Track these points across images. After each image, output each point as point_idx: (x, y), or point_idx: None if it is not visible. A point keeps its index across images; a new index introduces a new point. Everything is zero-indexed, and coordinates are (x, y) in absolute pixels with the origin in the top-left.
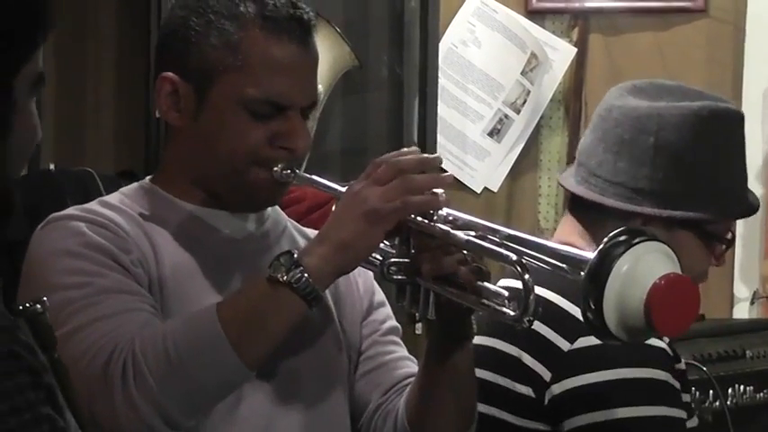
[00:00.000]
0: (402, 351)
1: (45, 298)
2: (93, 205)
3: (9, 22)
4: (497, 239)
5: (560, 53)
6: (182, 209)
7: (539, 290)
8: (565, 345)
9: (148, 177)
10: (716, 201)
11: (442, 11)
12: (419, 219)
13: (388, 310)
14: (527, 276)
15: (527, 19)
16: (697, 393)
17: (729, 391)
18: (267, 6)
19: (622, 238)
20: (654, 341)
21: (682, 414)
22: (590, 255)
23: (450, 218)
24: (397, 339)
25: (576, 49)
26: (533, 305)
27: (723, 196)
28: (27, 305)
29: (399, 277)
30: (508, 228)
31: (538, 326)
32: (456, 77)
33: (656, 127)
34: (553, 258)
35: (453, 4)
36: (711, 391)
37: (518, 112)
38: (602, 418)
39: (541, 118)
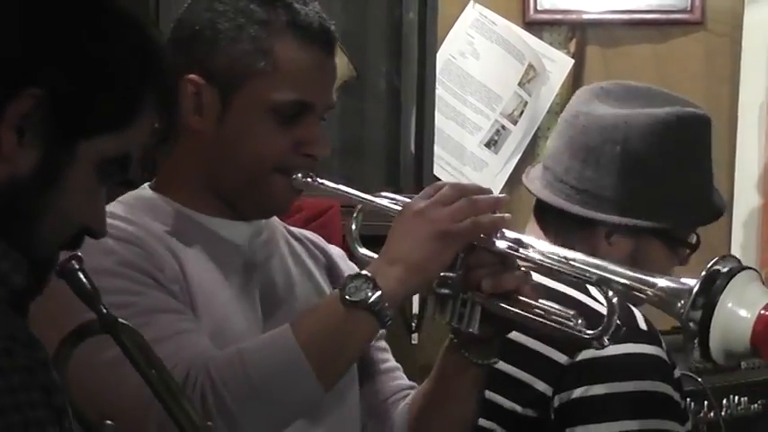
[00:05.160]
0: (391, 359)
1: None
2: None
3: (100, 80)
4: (564, 260)
5: (558, 65)
6: (195, 220)
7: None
8: (562, 358)
9: (148, 185)
10: (683, 209)
11: (440, 22)
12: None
13: None
14: (611, 293)
15: (525, 30)
16: (692, 404)
17: (724, 402)
18: (299, 15)
19: (722, 268)
20: (652, 349)
21: (678, 428)
22: (691, 282)
23: (506, 235)
24: (386, 345)
25: (573, 61)
26: (615, 325)
27: (690, 204)
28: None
29: (445, 291)
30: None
31: (533, 343)
32: (454, 88)
33: (622, 136)
34: (631, 281)
35: (451, 16)
36: (706, 402)
37: (515, 123)
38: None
39: (538, 129)
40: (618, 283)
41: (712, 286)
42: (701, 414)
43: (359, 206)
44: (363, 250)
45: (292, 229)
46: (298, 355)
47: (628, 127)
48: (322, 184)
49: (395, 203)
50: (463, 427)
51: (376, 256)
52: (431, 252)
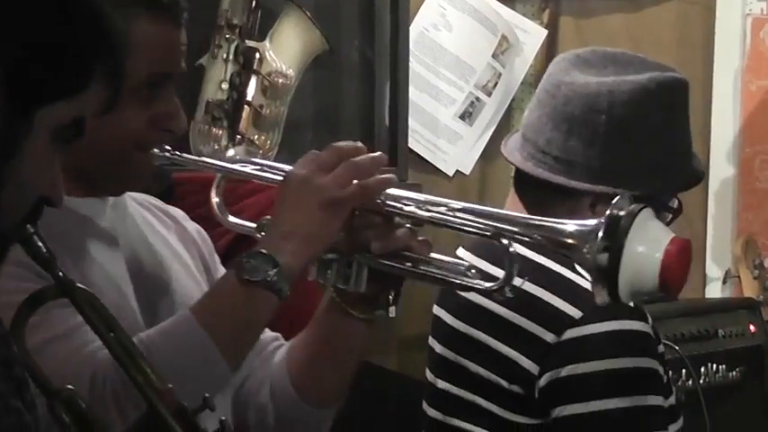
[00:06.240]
0: None
1: None
2: None
3: (55, 47)
4: (451, 213)
5: (531, 36)
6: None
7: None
8: (550, 337)
9: None
10: (667, 174)
11: None
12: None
13: None
14: (505, 242)
15: (497, 1)
16: (670, 373)
17: (702, 370)
18: None
19: (619, 211)
20: (639, 325)
21: (662, 402)
22: (592, 223)
23: (390, 194)
24: None
25: (546, 32)
26: (516, 273)
27: (673, 168)
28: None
29: (331, 256)
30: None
31: (521, 320)
32: (427, 61)
33: (606, 104)
34: (523, 228)
35: None
36: (684, 371)
37: (489, 95)
38: (586, 410)
39: (513, 101)
40: (511, 232)
41: (617, 228)
42: (680, 383)
43: (219, 175)
44: (233, 219)
45: (134, 194)
46: (203, 339)
47: (611, 95)
48: (180, 156)
49: (263, 170)
50: (349, 375)
51: (247, 223)
52: (322, 221)
